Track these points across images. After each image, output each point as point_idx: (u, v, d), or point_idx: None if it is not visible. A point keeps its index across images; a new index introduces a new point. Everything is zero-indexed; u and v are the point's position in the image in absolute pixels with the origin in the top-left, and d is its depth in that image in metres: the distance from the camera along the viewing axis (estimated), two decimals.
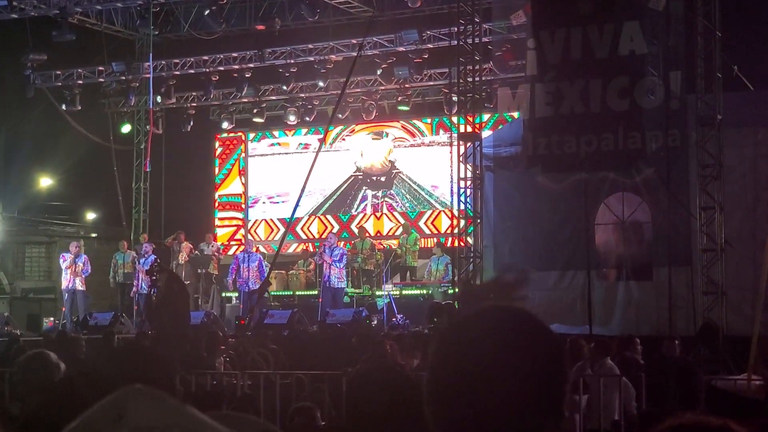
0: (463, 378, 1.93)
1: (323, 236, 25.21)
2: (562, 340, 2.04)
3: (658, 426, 2.08)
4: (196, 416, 1.68)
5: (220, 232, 28.58)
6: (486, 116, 22.19)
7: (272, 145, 29.02)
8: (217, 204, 29.25)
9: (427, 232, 26.24)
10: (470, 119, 18.30)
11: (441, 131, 26.52)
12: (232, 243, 28.66)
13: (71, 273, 23.27)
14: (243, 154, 29.20)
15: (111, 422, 1.62)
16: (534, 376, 1.94)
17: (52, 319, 24.55)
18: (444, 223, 26.25)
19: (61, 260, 23.86)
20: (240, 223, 28.87)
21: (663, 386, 12.60)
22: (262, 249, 26.22)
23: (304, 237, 27.87)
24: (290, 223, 24.45)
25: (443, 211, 26.11)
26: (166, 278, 18.96)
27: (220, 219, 29.21)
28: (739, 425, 2.24)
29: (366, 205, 27.67)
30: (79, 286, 23.31)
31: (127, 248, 24.65)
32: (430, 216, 26.84)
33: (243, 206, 28.95)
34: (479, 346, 1.95)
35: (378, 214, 27.45)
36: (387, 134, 27.63)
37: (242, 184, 29.06)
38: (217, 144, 29.56)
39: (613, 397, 12.01)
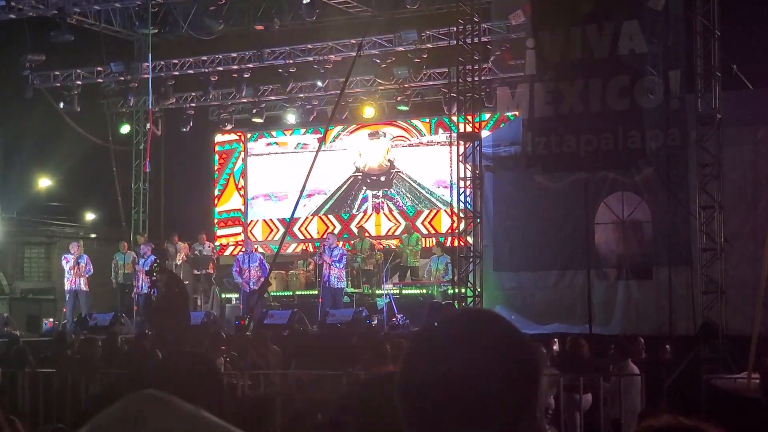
0: (434, 380, 1.93)
1: (323, 236, 25.18)
2: (534, 343, 2.05)
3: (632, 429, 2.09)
4: (211, 421, 1.67)
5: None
6: (487, 115, 22.20)
7: (269, 144, 29.02)
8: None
9: (424, 231, 26.23)
10: (470, 119, 18.30)
11: (440, 130, 26.52)
12: (230, 244, 28.67)
13: (74, 274, 23.29)
14: (239, 162, 29.12)
15: (131, 424, 1.62)
16: (505, 379, 1.93)
17: (51, 319, 24.54)
18: (442, 223, 26.30)
19: (63, 261, 23.86)
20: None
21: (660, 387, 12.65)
22: (260, 250, 26.19)
23: (301, 237, 27.86)
24: (289, 223, 24.43)
25: (444, 210, 26.17)
26: (166, 279, 18.97)
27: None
28: (713, 427, 2.24)
29: (367, 205, 27.67)
30: (83, 286, 23.34)
31: (127, 249, 24.64)
32: (427, 216, 26.84)
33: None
34: (450, 349, 1.96)
35: (379, 213, 27.46)
36: (385, 134, 27.63)
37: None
38: (216, 142, 29.55)
39: (634, 398, 12.00)
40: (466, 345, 1.96)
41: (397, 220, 26.90)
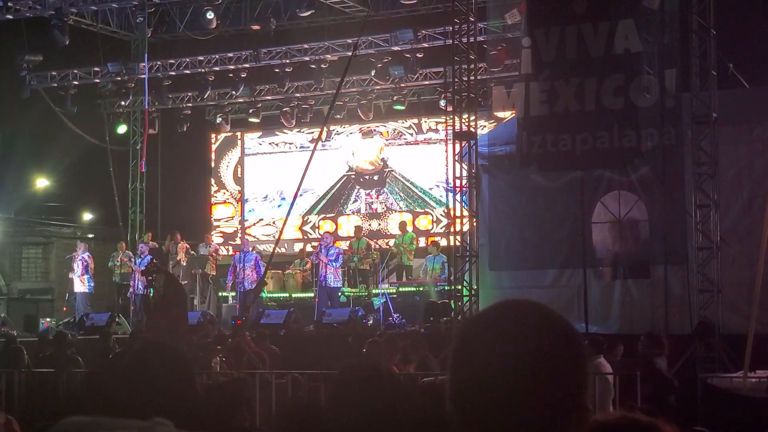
0: (485, 375, 1.93)
1: (322, 236, 25.14)
2: (578, 331, 2.04)
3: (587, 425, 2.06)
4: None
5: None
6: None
7: (263, 143, 29.06)
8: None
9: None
10: (466, 118, 18.30)
11: (439, 129, 26.52)
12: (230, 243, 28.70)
13: (71, 274, 23.49)
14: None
15: None
16: (558, 367, 1.93)
17: (48, 319, 24.53)
18: (434, 222, 26.45)
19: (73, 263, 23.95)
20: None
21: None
22: (259, 247, 26.19)
23: (297, 236, 27.90)
24: (285, 222, 24.36)
25: (433, 210, 26.32)
26: (164, 279, 18.93)
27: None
28: (670, 425, 2.24)
29: (359, 204, 27.70)
30: (77, 287, 23.38)
31: (125, 248, 24.71)
32: (418, 216, 26.90)
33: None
34: (499, 343, 1.95)
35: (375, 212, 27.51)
36: (380, 133, 27.67)
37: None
38: (213, 145, 29.62)
39: (605, 396, 12.04)
40: (515, 338, 1.95)
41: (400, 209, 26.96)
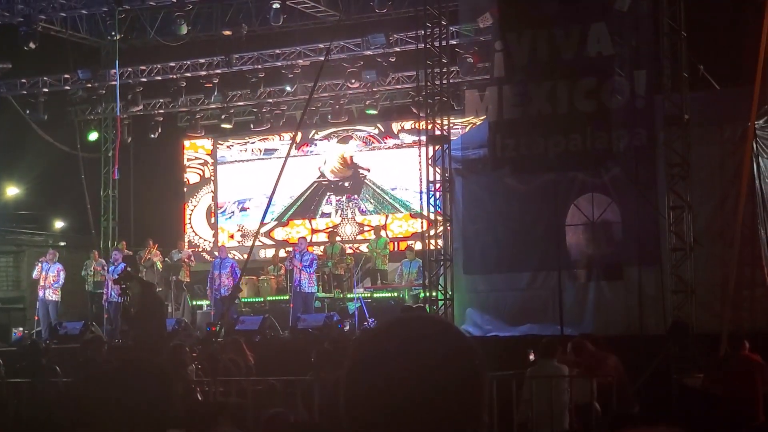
0: (380, 387, 1.91)
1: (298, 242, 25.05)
2: (479, 347, 2.03)
3: None
4: None
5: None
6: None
7: (234, 149, 29.01)
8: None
9: (390, 235, 26.27)
10: (439, 122, 18.33)
11: (410, 133, 26.50)
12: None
13: (42, 283, 23.13)
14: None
15: None
16: (452, 384, 1.92)
17: (21, 329, 24.34)
18: (406, 227, 26.46)
19: (35, 268, 23.62)
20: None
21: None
22: (237, 256, 26.07)
23: (271, 243, 27.83)
24: (259, 228, 24.32)
25: (409, 214, 26.34)
26: (138, 287, 18.81)
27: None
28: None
29: (331, 210, 27.65)
30: (50, 296, 23.09)
31: (98, 257, 24.55)
32: (389, 219, 26.89)
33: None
34: (397, 355, 1.93)
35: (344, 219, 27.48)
36: (352, 138, 27.63)
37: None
38: (185, 151, 29.50)
39: (563, 397, 12.09)
40: (412, 352, 1.93)
41: (367, 224, 26.92)
